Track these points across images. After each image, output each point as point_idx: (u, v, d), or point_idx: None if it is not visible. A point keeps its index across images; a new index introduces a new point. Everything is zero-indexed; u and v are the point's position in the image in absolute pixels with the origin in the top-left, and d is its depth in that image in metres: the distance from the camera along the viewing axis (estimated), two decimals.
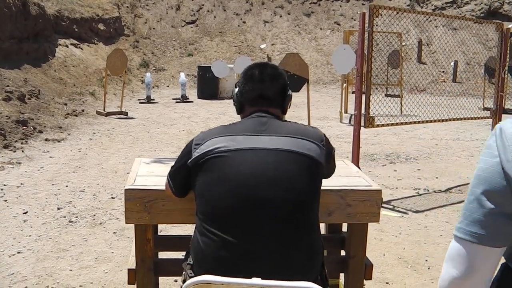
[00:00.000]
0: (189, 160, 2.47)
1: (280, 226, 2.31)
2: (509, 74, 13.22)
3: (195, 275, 2.33)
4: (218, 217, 2.35)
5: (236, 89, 2.65)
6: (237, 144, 2.39)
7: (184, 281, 2.45)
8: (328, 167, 2.62)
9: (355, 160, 6.56)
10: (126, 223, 3.00)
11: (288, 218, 2.32)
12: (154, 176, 3.24)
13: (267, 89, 2.57)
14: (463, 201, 4.97)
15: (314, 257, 2.42)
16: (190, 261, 2.50)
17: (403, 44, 19.95)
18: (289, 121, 2.58)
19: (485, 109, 15.11)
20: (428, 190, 7.30)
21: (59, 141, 10.07)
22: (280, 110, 2.62)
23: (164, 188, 2.95)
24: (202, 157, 2.41)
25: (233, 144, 2.39)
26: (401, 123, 7.81)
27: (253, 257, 2.27)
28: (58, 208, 6.02)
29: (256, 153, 2.37)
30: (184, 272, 2.53)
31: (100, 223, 5.56)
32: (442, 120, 8.42)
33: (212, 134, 2.47)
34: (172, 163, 3.38)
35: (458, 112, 8.97)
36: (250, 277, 2.01)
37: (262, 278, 2.03)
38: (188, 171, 2.51)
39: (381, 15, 6.81)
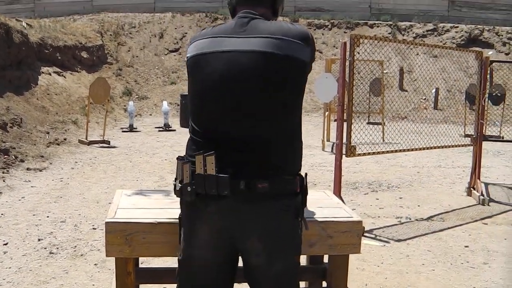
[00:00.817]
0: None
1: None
2: (489, 102, 13.36)
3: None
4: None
5: None
6: (214, 47, 2.45)
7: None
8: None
9: (337, 189, 6.58)
10: (107, 256, 2.99)
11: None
12: (135, 208, 3.24)
13: None
14: (445, 229, 5.00)
15: (289, 150, 2.51)
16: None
17: (385, 71, 20.12)
18: (275, 20, 2.60)
19: (466, 135, 15.22)
20: (410, 219, 7.33)
21: (40, 171, 10.02)
22: (270, 10, 2.64)
23: (144, 221, 2.97)
24: (188, 61, 2.56)
25: (210, 46, 2.47)
26: (383, 152, 7.87)
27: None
28: (39, 239, 5.97)
29: (228, 54, 2.42)
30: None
31: (81, 255, 5.52)
32: (424, 148, 8.50)
33: (200, 34, 2.58)
34: (151, 195, 3.43)
35: (440, 139, 9.03)
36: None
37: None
38: None
39: (362, 43, 6.89)
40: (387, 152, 8.04)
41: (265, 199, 2.39)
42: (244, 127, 2.41)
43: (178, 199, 3.17)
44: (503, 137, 15.15)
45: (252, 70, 2.39)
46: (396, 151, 8.43)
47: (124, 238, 2.95)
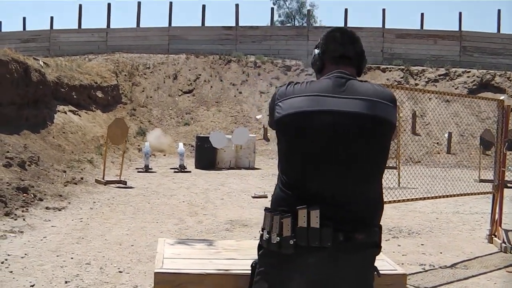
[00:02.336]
0: (274, 117, 2.68)
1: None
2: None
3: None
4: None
5: (317, 50, 2.81)
6: (316, 105, 2.56)
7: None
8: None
9: None
10: None
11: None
12: (181, 258, 3.27)
13: (348, 50, 2.75)
14: (470, 277, 4.97)
15: (378, 208, 2.68)
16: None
17: (399, 116, 20.20)
18: (365, 81, 2.73)
19: (481, 180, 15.22)
20: (433, 266, 7.29)
21: (59, 210, 10.05)
22: (356, 70, 2.78)
23: (193, 271, 3.00)
24: (283, 118, 2.61)
25: (311, 104, 2.57)
26: (403, 200, 7.88)
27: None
28: (66, 282, 5.96)
29: (333, 115, 2.55)
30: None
31: None
32: (445, 196, 8.50)
33: (293, 91, 2.65)
34: (194, 244, 3.45)
35: (456, 184, 9.04)
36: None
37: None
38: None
39: None
40: (409, 200, 8.05)
41: (360, 250, 2.56)
42: (346, 186, 2.55)
43: (222, 249, 3.21)
44: None
45: (356, 131, 2.54)
46: (417, 199, 8.42)
47: None
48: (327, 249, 2.49)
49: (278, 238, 2.52)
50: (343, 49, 2.74)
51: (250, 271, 2.93)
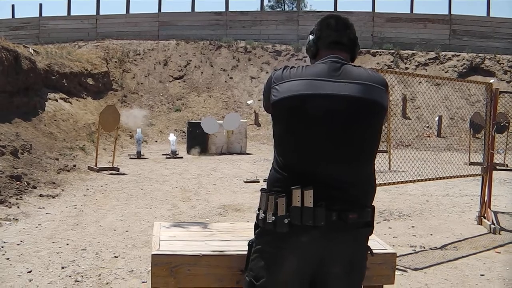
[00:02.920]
0: (270, 100, 2.75)
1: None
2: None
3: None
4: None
5: (312, 36, 2.91)
6: (312, 89, 2.65)
7: None
8: None
9: None
10: (152, 287, 3.08)
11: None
12: (177, 241, 3.34)
13: (342, 36, 2.85)
14: (459, 258, 5.08)
15: (370, 189, 2.77)
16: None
17: (389, 100, 20.27)
18: (359, 66, 2.82)
19: (471, 163, 15.37)
20: (424, 247, 7.41)
21: (53, 197, 10.11)
22: (349, 56, 2.88)
23: (189, 253, 3.09)
24: (280, 101, 2.69)
25: (308, 88, 2.65)
26: (394, 183, 8.00)
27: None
28: (63, 267, 6.04)
29: (329, 98, 2.64)
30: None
31: (107, 283, 5.59)
32: (435, 179, 8.61)
33: (289, 75, 2.73)
34: (189, 227, 3.55)
35: (446, 168, 9.15)
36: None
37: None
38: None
39: None
40: (399, 182, 8.16)
41: (353, 229, 2.65)
42: (341, 167, 2.64)
43: (217, 231, 3.30)
44: (507, 165, 15.28)
45: (352, 114, 2.64)
46: (407, 181, 8.52)
47: (169, 270, 3.05)
48: (321, 228, 2.57)
49: (273, 217, 2.60)
50: (337, 36, 2.83)
51: (244, 252, 3.02)
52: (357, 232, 2.71)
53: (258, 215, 2.71)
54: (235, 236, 3.52)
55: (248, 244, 2.83)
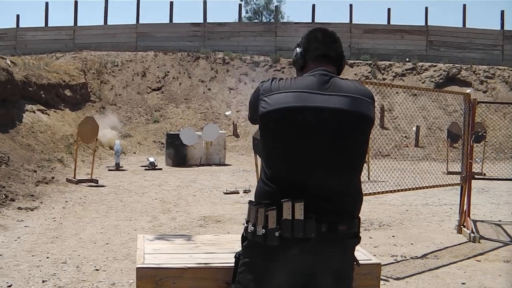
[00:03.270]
0: (258, 112, 2.74)
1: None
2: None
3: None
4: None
5: (299, 49, 2.91)
6: (302, 101, 2.65)
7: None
8: None
9: None
10: None
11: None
12: (162, 253, 3.33)
13: (330, 50, 2.87)
14: (440, 266, 5.11)
15: (358, 199, 2.81)
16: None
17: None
18: (346, 79, 2.84)
19: (449, 173, 15.47)
20: (405, 257, 7.45)
21: (32, 210, 10.01)
22: (336, 69, 2.89)
23: (174, 266, 3.07)
24: (269, 113, 2.68)
25: (298, 100, 2.66)
26: (373, 193, 8.02)
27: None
28: (43, 281, 5.98)
29: (319, 111, 2.65)
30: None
31: None
32: (415, 189, 8.67)
33: (278, 87, 2.73)
34: (174, 239, 3.53)
35: (425, 177, 9.22)
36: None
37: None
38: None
39: None
40: (379, 193, 8.20)
41: (343, 240, 2.67)
42: (330, 179, 2.66)
43: (201, 243, 3.30)
44: (484, 174, 15.43)
45: (341, 127, 2.66)
46: (387, 192, 8.57)
47: (154, 284, 3.04)
48: (311, 240, 2.58)
49: (264, 230, 2.60)
50: (325, 49, 2.85)
51: (229, 264, 3.01)
52: (346, 243, 2.73)
53: (246, 228, 2.70)
54: (219, 248, 3.51)
55: (235, 257, 2.82)
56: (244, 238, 2.76)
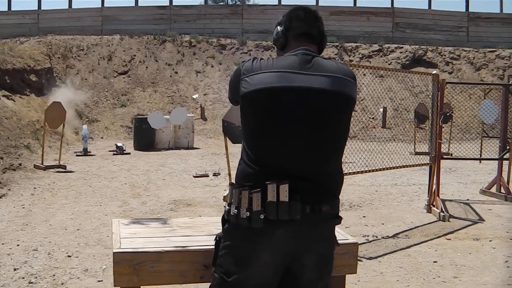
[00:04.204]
0: (240, 92, 2.70)
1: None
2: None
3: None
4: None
5: (280, 27, 2.88)
6: (284, 81, 2.63)
7: None
8: None
9: None
10: (115, 286, 3.04)
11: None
12: (138, 237, 3.30)
13: (312, 28, 2.85)
14: (412, 245, 5.18)
15: (340, 180, 2.81)
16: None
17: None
18: (328, 58, 2.84)
19: (417, 153, 15.60)
20: (376, 237, 7.53)
21: (0, 197, 9.87)
22: (317, 48, 2.88)
23: (151, 250, 3.05)
24: (251, 93, 2.65)
25: (280, 80, 2.63)
26: (349, 173, 8.06)
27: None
28: (15, 269, 5.89)
29: (302, 91, 2.63)
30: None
31: (62, 283, 5.48)
32: (385, 169, 8.73)
33: (260, 67, 2.69)
34: (149, 223, 3.50)
35: (393, 158, 9.29)
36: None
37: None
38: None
39: None
40: (348, 174, 8.24)
41: (326, 220, 2.70)
42: (314, 160, 2.65)
43: (177, 226, 3.28)
44: (451, 154, 15.58)
45: (324, 107, 2.64)
46: (356, 172, 8.61)
47: (132, 268, 3.01)
48: (296, 222, 2.58)
49: (248, 212, 2.58)
50: (307, 27, 2.84)
51: (207, 247, 3.01)
52: (329, 224, 2.75)
53: (229, 211, 2.67)
54: (196, 231, 3.50)
55: (215, 240, 2.79)
56: (225, 221, 2.74)
